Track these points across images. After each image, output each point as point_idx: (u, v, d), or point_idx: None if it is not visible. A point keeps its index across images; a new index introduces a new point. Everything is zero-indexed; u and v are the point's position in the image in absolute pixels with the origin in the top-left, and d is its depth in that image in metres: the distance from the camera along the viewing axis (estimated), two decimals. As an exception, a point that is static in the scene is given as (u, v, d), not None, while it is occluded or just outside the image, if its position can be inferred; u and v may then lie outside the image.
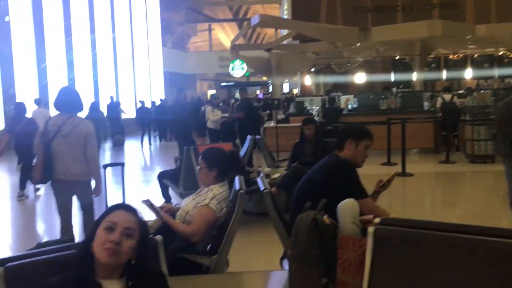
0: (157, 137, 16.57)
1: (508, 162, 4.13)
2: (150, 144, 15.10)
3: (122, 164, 4.37)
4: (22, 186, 7.12)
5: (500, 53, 16.56)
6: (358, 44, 14.81)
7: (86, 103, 4.36)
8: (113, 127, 14.48)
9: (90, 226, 1.57)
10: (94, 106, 11.03)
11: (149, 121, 15.60)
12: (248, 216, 5.04)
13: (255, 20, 14.36)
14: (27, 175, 6.89)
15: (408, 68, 15.89)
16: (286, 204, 4.39)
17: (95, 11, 18.62)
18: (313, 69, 18.11)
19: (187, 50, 31.20)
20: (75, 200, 4.08)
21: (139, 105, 16.85)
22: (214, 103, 10.77)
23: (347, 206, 2.05)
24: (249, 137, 6.77)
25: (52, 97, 14.35)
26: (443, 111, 10.25)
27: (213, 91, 24.95)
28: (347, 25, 16.51)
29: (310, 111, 12.17)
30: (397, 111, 10.81)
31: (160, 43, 24.73)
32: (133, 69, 21.61)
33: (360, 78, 18.84)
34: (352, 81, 18.82)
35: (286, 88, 27.97)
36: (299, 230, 2.08)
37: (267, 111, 13.24)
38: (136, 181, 8.24)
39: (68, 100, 3.89)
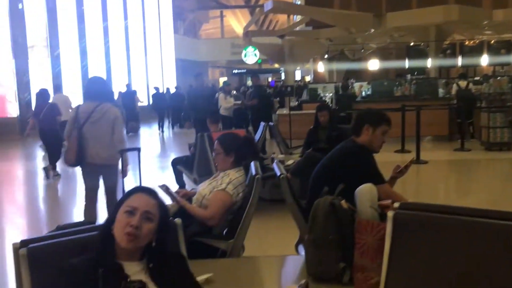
0: (171, 124, 16.70)
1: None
2: (162, 131, 15.20)
3: (138, 149, 4.45)
4: (53, 166, 7.54)
5: (518, 39, 16.25)
6: (372, 30, 14.62)
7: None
8: (128, 115, 14.59)
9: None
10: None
11: (164, 108, 15.72)
12: (262, 203, 5.04)
13: (268, 6, 14.24)
14: (55, 157, 7.44)
15: (423, 55, 15.67)
16: (300, 191, 4.38)
17: (107, -2, 18.65)
18: (326, 56, 17.94)
19: (198, 37, 31.13)
20: (101, 184, 4.32)
21: (153, 91, 16.92)
22: (227, 90, 10.75)
23: (366, 191, 2.04)
24: (262, 123, 6.75)
25: (65, 84, 14.51)
26: (458, 98, 10.11)
27: (225, 78, 24.90)
28: (361, 10, 16.30)
29: (323, 98, 12.10)
30: (412, 98, 10.69)
31: (172, 30, 24.68)
32: (145, 56, 21.64)
33: (373, 65, 18.64)
34: (366, 68, 18.63)
35: (298, 76, 27.80)
36: (316, 215, 2.08)
37: (277, 98, 13.19)
38: (151, 167, 8.31)
39: (97, 89, 4.17)
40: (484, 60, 16.58)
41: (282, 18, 30.48)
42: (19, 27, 14.47)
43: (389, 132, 2.81)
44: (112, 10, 18.95)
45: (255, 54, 18.37)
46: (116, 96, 14.64)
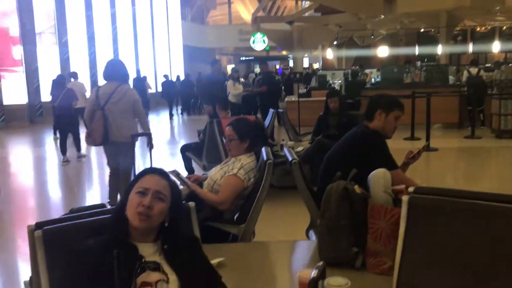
0: (182, 111, 16.76)
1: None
2: (171, 118, 15.23)
3: (149, 134, 4.51)
4: (78, 147, 7.94)
5: (531, 25, 15.99)
6: (382, 16, 14.45)
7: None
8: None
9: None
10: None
11: (174, 95, 15.75)
12: (271, 190, 5.04)
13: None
14: (77, 140, 7.85)
15: (433, 41, 15.50)
16: (310, 177, 4.37)
17: (115, -15, 18.55)
18: (335, 42, 17.78)
19: (206, 23, 30.93)
20: None
21: (162, 79, 16.91)
22: (235, 77, 10.70)
23: (379, 175, 2.02)
24: (271, 110, 6.72)
25: (74, 70, 14.52)
26: (469, 85, 9.99)
27: (232, 66, 24.81)
28: (370, -4, 16.06)
29: (332, 85, 12.02)
30: (421, 85, 10.58)
31: (180, 16, 24.55)
32: (152, 43, 21.58)
33: (383, 51, 18.47)
34: (375, 54, 18.45)
35: (306, 63, 27.63)
36: (329, 200, 2.07)
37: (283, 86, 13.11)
38: (160, 154, 8.34)
39: (116, 71, 4.39)
40: (496, 46, 16.38)
41: (290, 4, 30.16)
42: (27, 14, 14.47)
43: (402, 117, 2.78)
44: (119, -4, 18.88)
45: (264, 41, 18.23)
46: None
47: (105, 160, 4.80)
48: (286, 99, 11.41)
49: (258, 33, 17.94)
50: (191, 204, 1.91)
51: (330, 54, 19.90)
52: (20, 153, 9.83)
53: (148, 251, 1.48)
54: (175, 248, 1.51)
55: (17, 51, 14.33)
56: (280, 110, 6.85)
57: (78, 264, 1.41)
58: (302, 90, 12.52)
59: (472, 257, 1.61)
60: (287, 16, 20.08)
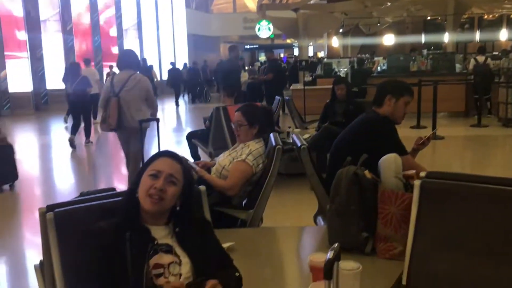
0: (191, 99, 16.77)
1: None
2: (177, 105, 15.23)
3: (157, 120, 4.64)
4: (87, 134, 8.12)
5: (539, 13, 15.79)
6: (388, 3, 14.30)
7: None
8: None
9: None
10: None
11: (180, 83, 15.74)
12: (278, 177, 5.05)
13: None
14: (87, 126, 8.11)
15: (440, 29, 15.35)
16: (317, 164, 4.37)
17: (119, -28, 18.43)
18: (341, 30, 17.64)
19: (210, 11, 30.72)
20: None
21: (168, 67, 16.86)
22: (240, 65, 10.66)
23: (390, 160, 2.01)
24: (277, 98, 6.70)
25: (78, 59, 14.50)
26: (476, 74, 9.90)
27: (238, 54, 24.65)
28: (377, -17, 15.88)
29: (338, 73, 11.96)
30: (428, 73, 10.50)
31: (184, 4, 24.40)
32: (157, 31, 21.48)
33: (389, 39, 18.31)
34: (381, 43, 18.30)
35: (310, 51, 27.45)
36: (340, 185, 2.06)
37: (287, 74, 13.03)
38: (167, 141, 8.35)
39: (129, 60, 4.67)
40: (503, 34, 16.19)
41: (295, -9, 29.87)
42: (32, 1, 14.41)
43: (411, 103, 2.76)
44: (124, -17, 18.77)
45: (269, 28, 18.11)
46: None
47: (112, 146, 4.87)
48: (291, 87, 11.34)
49: (264, 21, 17.81)
50: (202, 187, 1.91)
51: (335, 42, 19.75)
52: (27, 140, 9.86)
53: (160, 234, 1.48)
54: (187, 231, 1.51)
55: (22, 39, 14.31)
56: (287, 98, 6.82)
57: (91, 246, 1.41)
58: (308, 78, 12.45)
59: (484, 242, 1.60)
60: (292, 4, 19.87)
